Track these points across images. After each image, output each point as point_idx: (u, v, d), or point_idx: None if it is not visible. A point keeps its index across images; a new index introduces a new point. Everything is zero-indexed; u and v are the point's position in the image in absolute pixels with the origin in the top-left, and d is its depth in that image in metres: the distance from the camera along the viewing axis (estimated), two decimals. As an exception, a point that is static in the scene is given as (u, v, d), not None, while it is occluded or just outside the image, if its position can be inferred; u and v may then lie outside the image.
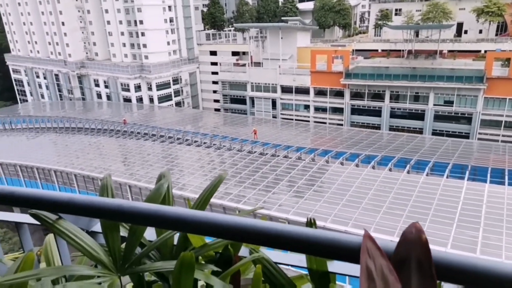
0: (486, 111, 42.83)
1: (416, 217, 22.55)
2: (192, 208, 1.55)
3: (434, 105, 44.78)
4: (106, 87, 67.53)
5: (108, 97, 67.84)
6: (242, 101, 56.92)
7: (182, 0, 66.06)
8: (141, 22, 61.92)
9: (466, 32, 59.98)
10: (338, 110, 50.44)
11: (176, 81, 66.39)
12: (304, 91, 51.74)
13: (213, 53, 64.48)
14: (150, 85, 63.61)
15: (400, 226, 21.89)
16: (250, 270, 1.60)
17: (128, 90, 63.99)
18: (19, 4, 78.07)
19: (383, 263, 0.82)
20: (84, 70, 70.35)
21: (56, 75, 76.02)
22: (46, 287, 1.48)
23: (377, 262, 0.82)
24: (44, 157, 40.26)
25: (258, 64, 57.18)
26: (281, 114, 53.68)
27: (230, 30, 73.97)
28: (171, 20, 65.16)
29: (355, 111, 49.32)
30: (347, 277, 1.35)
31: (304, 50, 54.29)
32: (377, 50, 58.92)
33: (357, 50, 57.36)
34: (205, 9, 75.89)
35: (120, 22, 64.31)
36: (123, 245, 1.54)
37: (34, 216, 1.48)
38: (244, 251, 1.52)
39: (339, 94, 49.61)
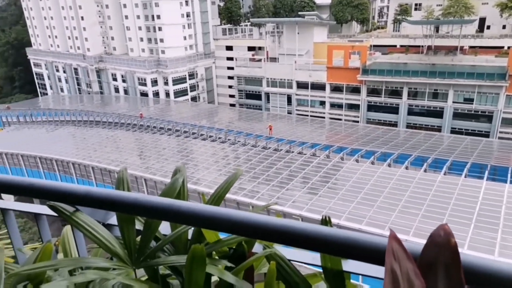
0: (508, 109, 41.64)
1: (432, 217, 22.18)
2: (207, 203, 1.56)
3: (454, 102, 43.78)
4: (124, 81, 68.52)
5: (126, 91, 68.84)
6: (257, 96, 56.78)
7: (199, -5, 66.36)
8: (158, 16, 62.40)
9: (488, 27, 58.24)
10: (354, 107, 49.83)
11: (192, 76, 66.84)
12: (320, 87, 51.24)
13: (229, 48, 64.46)
14: (167, 80, 64.24)
15: (415, 226, 21.57)
16: (264, 265, 1.59)
17: (145, 84, 64.78)
18: (40, -1, 79.81)
19: (409, 267, 0.78)
20: (102, 64, 71.48)
21: (75, 69, 77.51)
22: (64, 277, 1.51)
23: (403, 265, 0.79)
24: (63, 149, 41.19)
25: (274, 59, 56.87)
26: (296, 110, 53.32)
27: (246, 25, 73.75)
28: (187, 15, 65.46)
29: (371, 107, 48.64)
30: (360, 276, 1.33)
31: (321, 45, 53.68)
32: (395, 46, 57.77)
33: (375, 46, 56.37)
34: (221, 4, 75.85)
35: (138, 17, 64.97)
36: (138, 238, 1.55)
37: (52, 208, 1.50)
38: (258, 247, 1.51)
39: (356, 90, 48.98)
